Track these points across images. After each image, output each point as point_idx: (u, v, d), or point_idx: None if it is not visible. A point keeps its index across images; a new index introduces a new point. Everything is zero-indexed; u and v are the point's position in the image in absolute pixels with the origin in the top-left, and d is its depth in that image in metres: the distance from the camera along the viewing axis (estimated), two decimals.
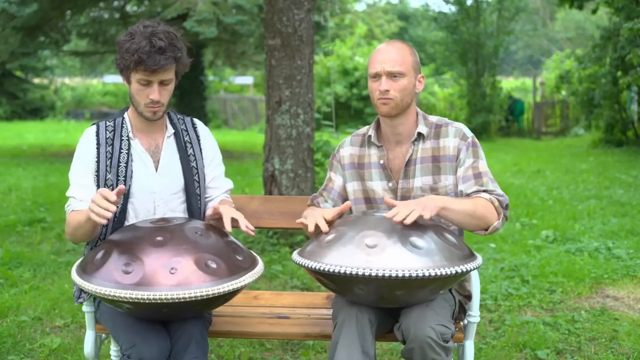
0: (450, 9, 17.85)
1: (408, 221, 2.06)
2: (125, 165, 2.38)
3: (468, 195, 2.34)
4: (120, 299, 1.99)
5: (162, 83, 2.31)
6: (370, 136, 2.49)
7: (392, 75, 2.35)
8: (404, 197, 2.41)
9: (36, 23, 11.32)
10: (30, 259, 4.99)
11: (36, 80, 26.95)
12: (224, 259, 2.10)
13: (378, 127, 2.51)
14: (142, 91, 2.31)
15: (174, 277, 2.00)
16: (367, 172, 2.49)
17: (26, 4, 10.55)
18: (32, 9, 10.53)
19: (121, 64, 2.30)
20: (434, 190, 2.38)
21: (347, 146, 2.56)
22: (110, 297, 2.00)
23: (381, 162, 2.46)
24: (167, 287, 1.97)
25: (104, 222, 2.08)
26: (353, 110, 20.19)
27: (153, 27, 2.29)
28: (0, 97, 23.79)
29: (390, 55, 2.36)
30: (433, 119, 2.47)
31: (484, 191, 2.33)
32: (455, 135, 2.40)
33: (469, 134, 2.42)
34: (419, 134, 2.42)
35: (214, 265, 2.06)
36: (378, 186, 2.46)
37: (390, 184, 2.44)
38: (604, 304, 4.06)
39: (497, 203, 2.30)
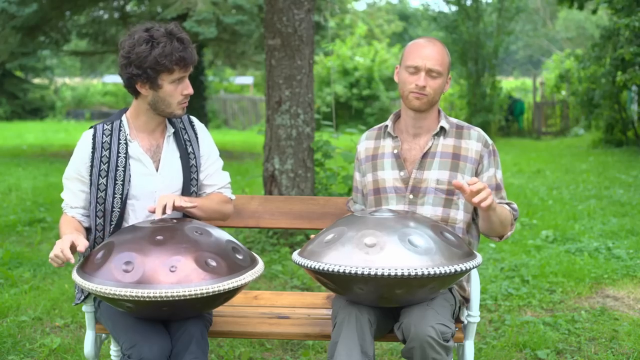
0: (450, 8, 17.86)
1: (484, 205, 2.18)
2: (123, 168, 2.38)
3: None
4: (120, 298, 1.99)
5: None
6: (387, 126, 2.55)
7: (431, 72, 2.40)
8: (415, 188, 2.45)
9: (36, 23, 11.31)
10: (30, 259, 4.99)
11: (36, 80, 26.92)
12: (224, 258, 2.11)
13: (397, 120, 2.57)
14: (175, 90, 2.34)
15: (174, 275, 2.00)
16: (379, 163, 2.53)
17: (26, 4, 10.55)
18: (31, 9, 10.53)
19: (149, 72, 2.27)
20: (450, 185, 2.43)
21: (363, 141, 2.63)
22: (110, 296, 2.00)
23: (395, 151, 2.50)
24: (167, 285, 1.98)
25: (56, 266, 2.17)
26: (353, 110, 20.21)
27: (166, 26, 2.32)
28: (0, 97, 23.78)
29: (433, 54, 2.41)
30: (453, 120, 2.54)
31: (505, 204, 2.47)
32: (478, 140, 2.48)
33: (490, 140, 2.52)
34: (442, 128, 2.47)
35: (214, 264, 2.06)
36: (389, 175, 2.49)
37: (402, 174, 2.47)
38: (604, 304, 4.06)
39: (512, 216, 2.48)
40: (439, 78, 2.41)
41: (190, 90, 2.36)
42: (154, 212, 2.27)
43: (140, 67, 2.27)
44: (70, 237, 2.19)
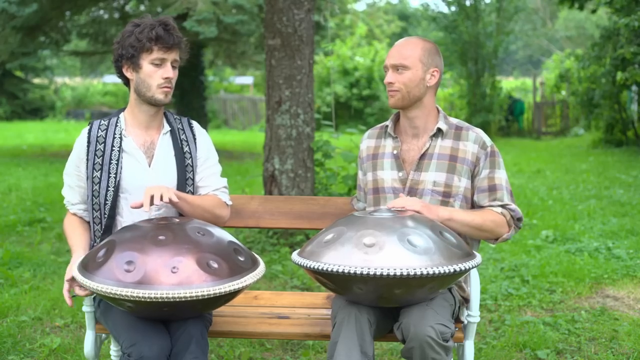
0: (449, 9, 17.86)
1: (407, 207, 2.23)
2: (116, 162, 2.41)
3: (481, 207, 2.43)
4: (121, 297, 1.99)
5: (172, 64, 2.39)
6: (387, 127, 2.54)
7: (396, 68, 2.41)
8: (413, 189, 2.44)
9: (36, 23, 11.31)
10: (30, 259, 4.99)
11: (36, 80, 26.92)
12: (226, 259, 2.10)
13: (397, 120, 2.57)
14: (155, 72, 2.37)
15: (176, 276, 2.00)
16: (379, 162, 2.53)
17: (26, 4, 10.55)
18: (32, 9, 10.53)
19: (130, 50, 2.36)
20: (447, 187, 2.41)
21: (365, 139, 2.63)
22: (111, 295, 2.00)
23: (394, 152, 2.49)
24: (168, 286, 1.98)
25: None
26: (353, 110, 20.21)
27: (154, 17, 2.41)
28: (0, 97, 23.78)
29: (398, 49, 2.43)
30: (453, 120, 2.52)
31: (499, 205, 2.43)
32: (476, 142, 2.45)
33: (489, 142, 2.48)
34: (439, 130, 2.46)
35: (215, 265, 2.06)
36: (388, 175, 2.49)
37: (401, 174, 2.46)
38: (604, 304, 4.06)
39: (508, 217, 2.42)
40: (406, 71, 2.40)
41: (170, 74, 2.37)
42: (139, 207, 2.25)
43: (124, 46, 2.38)
44: (68, 283, 2.29)
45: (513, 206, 2.43)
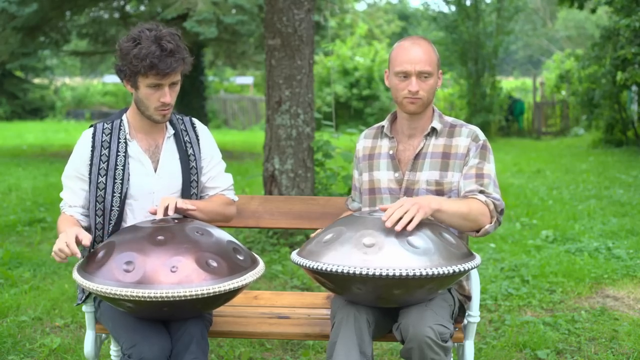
0: (450, 8, 17.86)
1: (398, 228, 2.06)
2: (122, 167, 2.39)
3: (466, 192, 2.35)
4: (121, 297, 1.99)
5: (170, 85, 2.33)
6: (384, 127, 2.54)
7: (422, 76, 2.37)
8: (409, 189, 2.43)
9: (36, 23, 11.32)
10: (30, 259, 4.99)
11: (36, 80, 26.92)
12: (225, 258, 2.11)
13: (394, 120, 2.55)
14: (152, 95, 2.32)
15: (175, 275, 2.00)
16: (375, 163, 2.52)
17: (26, 4, 10.56)
18: (32, 9, 10.54)
19: (128, 70, 2.29)
20: (439, 185, 2.40)
21: (362, 139, 2.62)
22: (111, 296, 2.00)
23: (390, 152, 2.49)
24: (168, 285, 1.98)
25: (59, 261, 2.14)
26: (353, 110, 20.21)
27: (157, 31, 2.30)
28: (0, 97, 23.79)
29: (420, 55, 2.37)
30: (449, 119, 2.51)
31: (481, 192, 2.34)
32: (468, 136, 2.44)
33: (482, 137, 2.45)
34: (433, 129, 2.45)
35: (214, 264, 2.06)
36: (384, 176, 2.48)
37: (397, 175, 2.46)
38: (604, 304, 4.06)
39: (492, 206, 2.32)
40: (430, 78, 2.38)
41: (167, 99, 2.31)
42: (154, 213, 2.27)
43: (123, 62, 2.29)
44: (74, 230, 2.17)
45: (496, 195, 2.35)
